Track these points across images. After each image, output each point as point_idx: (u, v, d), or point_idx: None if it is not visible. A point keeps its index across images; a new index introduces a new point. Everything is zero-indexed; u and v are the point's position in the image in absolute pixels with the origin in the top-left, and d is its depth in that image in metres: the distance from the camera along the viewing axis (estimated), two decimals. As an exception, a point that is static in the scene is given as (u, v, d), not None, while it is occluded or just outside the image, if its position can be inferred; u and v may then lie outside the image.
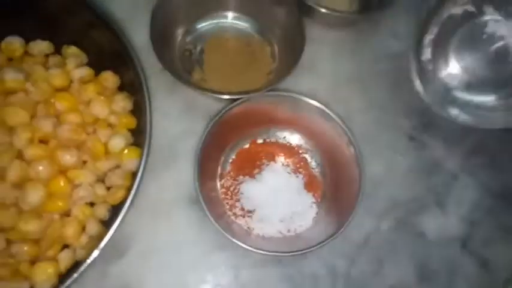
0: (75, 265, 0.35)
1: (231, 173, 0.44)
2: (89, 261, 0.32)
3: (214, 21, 0.49)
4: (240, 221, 0.42)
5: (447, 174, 0.48)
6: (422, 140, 0.50)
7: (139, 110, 0.40)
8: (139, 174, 0.35)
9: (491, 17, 0.45)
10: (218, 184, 0.44)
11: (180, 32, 0.47)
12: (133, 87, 0.39)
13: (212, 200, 0.41)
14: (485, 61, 0.46)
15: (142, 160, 0.35)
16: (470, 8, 0.44)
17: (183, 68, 0.46)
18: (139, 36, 0.45)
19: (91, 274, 0.37)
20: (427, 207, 0.47)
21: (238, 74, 0.47)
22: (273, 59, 0.49)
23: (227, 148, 0.45)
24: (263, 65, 0.48)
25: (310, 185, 0.45)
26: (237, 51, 0.48)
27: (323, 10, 0.46)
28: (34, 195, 0.32)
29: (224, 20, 0.49)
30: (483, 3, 0.44)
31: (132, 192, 0.34)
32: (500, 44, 0.45)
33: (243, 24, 0.49)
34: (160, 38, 0.43)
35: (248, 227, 0.42)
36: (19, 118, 0.34)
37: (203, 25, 0.48)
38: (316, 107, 0.43)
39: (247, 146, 0.45)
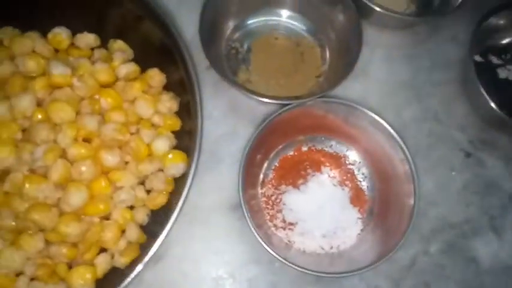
0: (112, 270, 0.34)
1: (273, 182, 0.42)
2: (132, 275, 0.31)
3: (265, 18, 0.46)
4: (281, 234, 0.40)
5: (505, 196, 0.45)
6: (479, 157, 0.46)
7: (183, 111, 0.38)
8: (188, 181, 0.33)
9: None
10: (259, 192, 0.41)
11: (228, 27, 0.45)
12: (181, 86, 0.37)
13: (252, 209, 0.39)
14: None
15: (192, 166, 0.33)
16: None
17: (229, 67, 0.44)
18: (185, 31, 0.43)
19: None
20: (480, 231, 0.44)
21: (285, 76, 0.44)
22: (323, 62, 0.46)
23: (271, 154, 0.42)
24: (312, 68, 0.45)
25: (356, 199, 0.42)
26: (286, 52, 0.45)
27: (378, 9, 0.43)
28: (77, 197, 0.31)
29: (276, 18, 0.46)
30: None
31: (181, 200, 0.32)
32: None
33: (295, 24, 0.46)
34: (209, 33, 0.41)
35: (289, 240, 0.40)
36: (66, 115, 0.33)
37: (253, 21, 0.46)
38: (370, 116, 0.40)
39: (291, 153, 0.43)
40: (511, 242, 0.43)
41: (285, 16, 0.46)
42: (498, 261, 0.43)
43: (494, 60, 0.49)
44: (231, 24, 0.45)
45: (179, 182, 0.36)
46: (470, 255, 0.43)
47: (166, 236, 0.33)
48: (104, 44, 0.40)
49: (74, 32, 0.39)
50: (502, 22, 0.47)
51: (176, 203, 0.34)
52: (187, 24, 0.44)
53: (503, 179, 0.45)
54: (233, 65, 0.44)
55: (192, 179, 0.33)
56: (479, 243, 0.43)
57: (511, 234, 0.44)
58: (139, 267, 0.31)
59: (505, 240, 0.43)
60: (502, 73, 0.49)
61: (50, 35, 0.38)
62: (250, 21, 0.46)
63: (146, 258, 0.31)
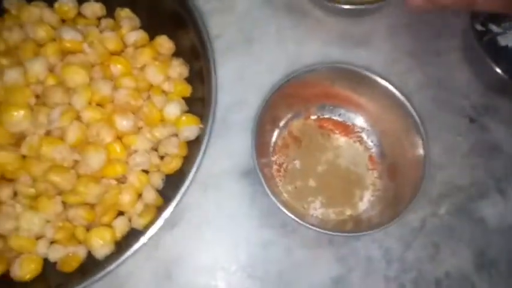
0: (130, 233, 0.34)
1: (284, 150, 0.42)
2: (148, 235, 0.31)
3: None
4: (293, 200, 0.40)
5: (508, 159, 0.46)
6: (482, 122, 0.47)
7: (195, 78, 0.38)
8: (203, 146, 0.33)
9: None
10: (271, 160, 0.42)
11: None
12: (192, 53, 0.37)
13: (265, 176, 0.40)
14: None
15: (206, 130, 0.33)
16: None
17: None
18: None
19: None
20: (487, 193, 0.44)
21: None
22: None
23: (280, 123, 0.43)
24: None
25: (366, 165, 0.42)
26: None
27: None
28: (96, 159, 0.31)
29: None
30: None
31: (196, 165, 0.32)
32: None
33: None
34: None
35: (303, 207, 0.40)
36: (80, 78, 0.33)
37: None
38: (378, 82, 0.40)
39: (301, 121, 0.43)
40: (516, 203, 0.44)
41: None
42: (504, 221, 0.43)
43: (494, 28, 0.50)
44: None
45: (192, 147, 0.36)
46: (477, 216, 0.43)
47: (180, 201, 0.34)
48: (110, 14, 0.40)
49: (80, 2, 0.39)
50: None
51: (190, 168, 0.34)
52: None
53: (506, 143, 0.46)
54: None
55: (206, 144, 0.33)
56: (486, 205, 0.44)
57: (516, 195, 0.45)
58: (156, 226, 0.31)
59: (509, 200, 0.44)
60: (503, 41, 0.49)
61: (56, 5, 0.38)
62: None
63: (163, 218, 0.31)
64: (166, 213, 0.32)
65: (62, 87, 0.32)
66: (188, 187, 0.33)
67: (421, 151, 0.39)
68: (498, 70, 0.43)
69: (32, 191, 0.32)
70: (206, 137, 0.34)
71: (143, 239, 0.31)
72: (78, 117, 0.33)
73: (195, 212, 0.39)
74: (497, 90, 0.47)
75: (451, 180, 0.44)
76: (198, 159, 0.33)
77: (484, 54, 0.43)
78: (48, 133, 0.32)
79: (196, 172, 0.34)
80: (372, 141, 0.43)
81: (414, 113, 0.40)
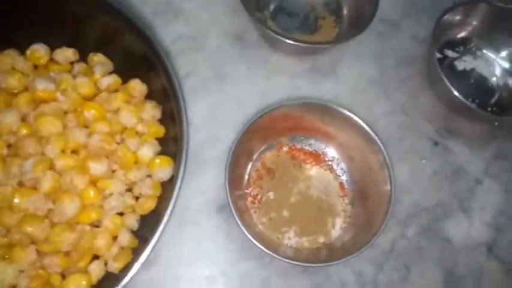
0: (106, 276, 0.35)
1: (258, 181, 0.43)
2: (126, 280, 0.31)
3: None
4: (268, 231, 0.42)
5: (471, 179, 0.48)
6: (446, 145, 0.49)
7: (167, 118, 0.39)
8: (177, 185, 0.34)
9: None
10: (245, 192, 0.43)
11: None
12: (163, 93, 0.38)
13: (240, 209, 0.41)
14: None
15: (180, 169, 0.35)
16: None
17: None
18: (162, 41, 0.45)
19: None
20: (452, 213, 0.47)
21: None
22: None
23: (253, 156, 0.44)
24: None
25: (338, 193, 0.44)
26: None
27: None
28: (71, 207, 0.32)
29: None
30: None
31: (171, 204, 0.33)
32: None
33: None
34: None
35: (277, 237, 0.42)
36: (54, 128, 0.33)
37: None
38: (343, 113, 0.42)
39: (273, 153, 0.45)
40: (479, 221, 0.47)
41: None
42: (469, 239, 0.46)
43: (450, 53, 0.53)
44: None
45: (166, 187, 0.37)
46: (444, 236, 0.45)
47: (157, 240, 0.34)
48: (82, 58, 0.41)
49: (52, 48, 0.40)
50: (457, 18, 0.51)
51: (165, 207, 0.35)
52: (163, 34, 0.46)
53: (469, 164, 0.49)
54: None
55: (180, 183, 0.34)
56: (452, 224, 0.46)
57: (479, 214, 0.47)
58: (133, 271, 0.32)
59: (474, 219, 0.47)
60: (459, 65, 0.53)
61: (28, 52, 0.39)
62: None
63: (139, 263, 0.32)
64: (143, 257, 0.32)
65: (34, 138, 0.33)
66: (164, 228, 0.33)
67: (386, 176, 0.41)
68: (456, 93, 0.45)
69: (4, 240, 0.32)
70: (180, 177, 0.35)
71: (120, 285, 0.31)
72: (51, 166, 0.33)
73: (170, 249, 0.40)
74: (459, 113, 0.50)
75: (417, 202, 0.46)
76: (173, 199, 0.34)
77: (444, 79, 0.46)
78: (20, 183, 0.33)
79: (171, 212, 0.35)
80: (341, 169, 0.45)
81: (378, 140, 0.42)
